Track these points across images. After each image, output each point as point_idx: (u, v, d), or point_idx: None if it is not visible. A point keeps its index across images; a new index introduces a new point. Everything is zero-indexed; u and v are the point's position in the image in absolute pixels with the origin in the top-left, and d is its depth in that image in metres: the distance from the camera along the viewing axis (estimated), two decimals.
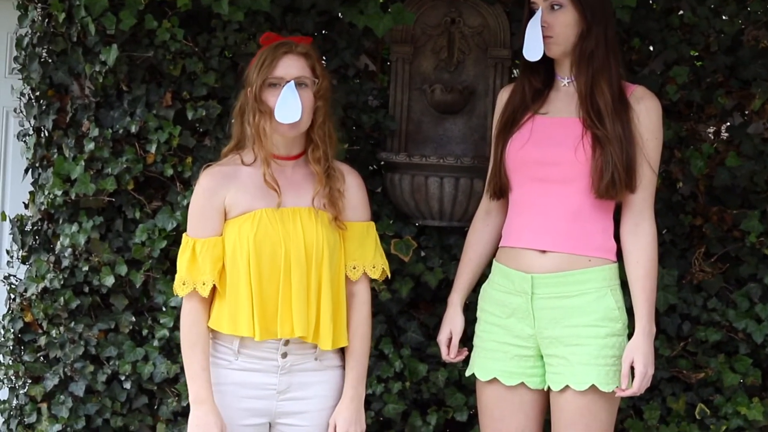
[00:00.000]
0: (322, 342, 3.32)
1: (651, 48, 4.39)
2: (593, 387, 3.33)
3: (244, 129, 3.36)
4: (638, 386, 3.32)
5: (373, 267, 3.43)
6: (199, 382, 3.31)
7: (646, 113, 3.40)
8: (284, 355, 3.33)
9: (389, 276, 3.49)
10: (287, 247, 3.29)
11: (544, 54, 3.44)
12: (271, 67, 3.29)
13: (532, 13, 3.45)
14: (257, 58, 3.34)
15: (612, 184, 3.33)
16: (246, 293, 3.29)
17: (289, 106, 3.26)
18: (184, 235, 3.40)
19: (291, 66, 3.30)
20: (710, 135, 4.43)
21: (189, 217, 3.40)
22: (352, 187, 3.43)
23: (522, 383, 3.45)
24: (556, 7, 3.42)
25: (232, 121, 3.45)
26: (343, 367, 3.42)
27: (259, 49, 3.39)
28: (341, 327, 3.38)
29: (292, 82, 3.28)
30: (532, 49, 3.42)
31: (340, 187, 3.38)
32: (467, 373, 3.59)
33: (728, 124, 4.42)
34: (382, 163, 4.43)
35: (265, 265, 3.29)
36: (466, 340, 3.65)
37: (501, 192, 3.54)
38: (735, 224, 4.33)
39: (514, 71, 4.51)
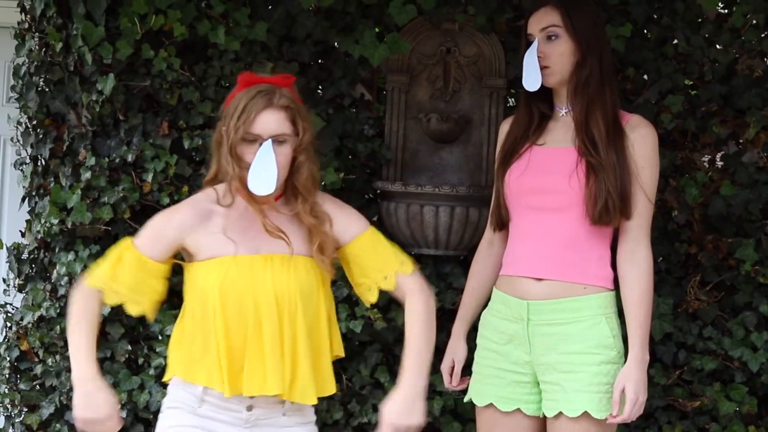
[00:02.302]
0: (303, 397, 3.07)
1: (645, 77, 4.40)
2: (586, 414, 3.33)
3: (222, 165, 3.09)
4: (629, 413, 3.31)
5: (402, 264, 3.19)
6: (84, 357, 3.02)
7: (641, 141, 3.41)
8: (249, 408, 3.07)
9: (418, 266, 3.25)
10: (256, 298, 3.03)
11: (543, 84, 3.46)
12: (248, 122, 3.00)
13: (528, 43, 3.47)
14: (235, 101, 3.06)
15: (606, 210, 3.34)
16: (214, 345, 3.03)
17: (264, 176, 3.01)
18: (131, 237, 3.18)
19: (270, 122, 3.02)
20: (705, 163, 4.44)
21: (151, 221, 3.16)
22: (330, 210, 3.15)
23: (518, 409, 3.44)
24: (552, 38, 3.43)
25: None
26: (315, 423, 3.20)
27: (236, 88, 3.11)
28: (324, 376, 3.13)
29: (269, 142, 3.01)
30: (531, 80, 3.43)
31: (327, 229, 3.12)
32: (465, 399, 3.59)
33: (723, 152, 4.43)
34: (378, 191, 4.44)
35: (232, 317, 3.02)
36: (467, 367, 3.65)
37: (503, 223, 3.55)
38: (730, 253, 4.34)
39: (510, 100, 4.53)
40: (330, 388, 3.15)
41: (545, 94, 3.51)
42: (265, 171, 3.01)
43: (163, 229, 3.11)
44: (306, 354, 3.06)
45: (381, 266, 3.18)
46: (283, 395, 3.03)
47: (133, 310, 3.10)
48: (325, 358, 3.14)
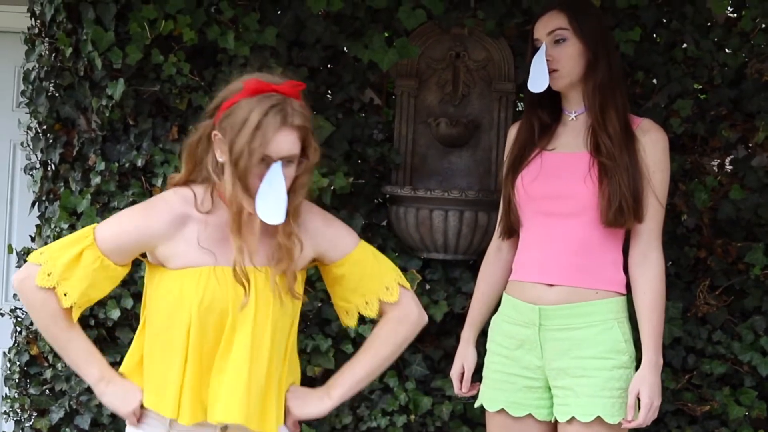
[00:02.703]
0: (267, 426, 2.81)
1: (655, 81, 4.40)
2: (599, 419, 3.32)
3: (203, 166, 2.79)
4: (644, 417, 3.31)
5: (387, 289, 2.94)
6: (98, 360, 2.86)
7: (653, 145, 3.41)
8: (224, 429, 2.82)
9: (413, 285, 3.02)
10: (235, 315, 2.76)
11: (550, 89, 3.46)
12: (265, 144, 2.67)
13: (535, 49, 3.47)
14: (241, 111, 2.71)
15: (620, 211, 3.33)
16: (179, 366, 2.77)
17: (273, 203, 2.70)
18: (91, 228, 2.83)
19: (284, 143, 2.71)
20: (714, 168, 4.44)
21: (118, 220, 2.84)
22: (319, 227, 2.89)
23: (529, 415, 3.44)
24: (560, 41, 3.43)
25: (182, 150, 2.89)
26: None
27: (240, 92, 2.76)
28: (281, 405, 2.88)
29: (279, 165, 2.70)
30: (537, 81, 3.43)
31: (296, 255, 2.81)
32: (476, 405, 3.58)
33: (732, 156, 4.43)
34: (387, 196, 4.45)
35: (209, 336, 2.76)
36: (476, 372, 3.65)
37: (512, 230, 3.54)
38: (739, 257, 4.34)
39: (519, 105, 4.53)
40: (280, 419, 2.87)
41: (548, 100, 3.52)
42: (274, 198, 2.70)
43: (135, 236, 2.79)
44: (276, 382, 2.82)
45: (364, 290, 2.94)
46: (250, 425, 2.77)
47: (75, 314, 2.81)
48: (284, 385, 2.89)
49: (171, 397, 2.77)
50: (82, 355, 2.86)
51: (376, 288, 2.94)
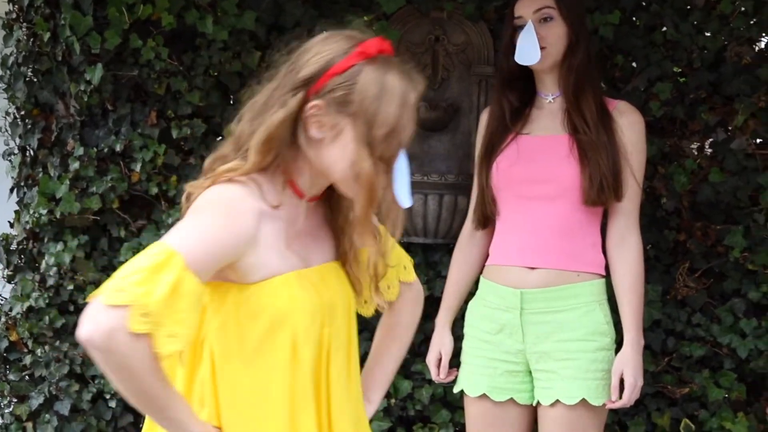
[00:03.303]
0: None
1: (634, 64, 4.40)
2: (583, 401, 3.33)
3: (280, 150, 2.29)
4: (628, 398, 3.32)
5: (405, 268, 2.64)
6: (195, 413, 2.26)
7: (630, 127, 3.43)
8: None
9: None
10: (330, 325, 2.36)
11: (523, 70, 3.45)
12: (411, 113, 2.30)
13: (514, 27, 3.47)
14: (370, 78, 2.27)
15: (601, 189, 3.34)
16: (285, 398, 2.30)
17: (404, 185, 2.31)
18: (163, 245, 2.14)
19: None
20: (694, 151, 4.44)
21: (196, 232, 2.19)
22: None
23: (511, 399, 3.45)
24: (547, 20, 3.44)
25: (256, 135, 2.30)
26: None
27: (354, 54, 2.31)
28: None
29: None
30: (528, 54, 3.41)
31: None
32: (455, 390, 3.58)
33: (711, 139, 4.43)
34: None
35: (314, 354, 2.33)
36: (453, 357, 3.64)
37: (487, 219, 3.53)
38: (719, 239, 4.34)
39: None
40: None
41: (519, 83, 3.51)
42: (402, 177, 2.31)
43: (224, 246, 2.20)
44: (357, 388, 2.49)
45: (387, 273, 2.57)
46: None
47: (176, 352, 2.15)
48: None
49: None
50: (186, 412, 2.22)
51: (395, 269, 2.61)
